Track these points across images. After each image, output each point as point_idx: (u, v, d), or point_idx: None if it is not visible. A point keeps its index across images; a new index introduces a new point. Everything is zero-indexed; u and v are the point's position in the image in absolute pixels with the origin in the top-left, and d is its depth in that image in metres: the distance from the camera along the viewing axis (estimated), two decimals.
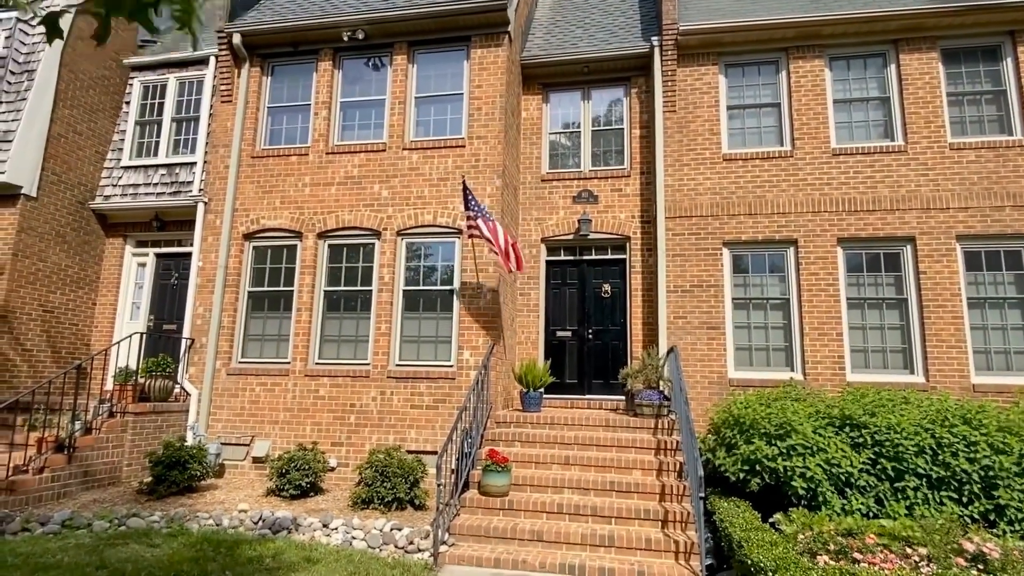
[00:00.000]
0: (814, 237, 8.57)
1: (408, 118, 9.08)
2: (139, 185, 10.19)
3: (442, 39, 9.16)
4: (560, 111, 10.23)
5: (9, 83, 9.38)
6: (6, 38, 9.53)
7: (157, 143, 10.45)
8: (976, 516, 5.81)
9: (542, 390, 8.17)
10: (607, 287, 9.57)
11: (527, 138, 10.07)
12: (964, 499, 5.87)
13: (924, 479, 5.94)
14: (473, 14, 8.76)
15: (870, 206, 8.51)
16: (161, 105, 10.61)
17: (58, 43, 9.58)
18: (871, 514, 5.91)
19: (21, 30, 9.61)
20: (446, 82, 9.14)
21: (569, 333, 9.60)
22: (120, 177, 10.35)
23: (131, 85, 10.83)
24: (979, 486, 5.84)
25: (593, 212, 9.54)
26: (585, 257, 9.73)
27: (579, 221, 9.43)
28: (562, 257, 9.79)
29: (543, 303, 9.64)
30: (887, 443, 5.99)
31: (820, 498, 5.91)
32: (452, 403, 8.00)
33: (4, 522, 5.85)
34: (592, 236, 9.49)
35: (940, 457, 5.91)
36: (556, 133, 10.17)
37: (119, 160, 10.46)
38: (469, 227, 7.77)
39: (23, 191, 9.04)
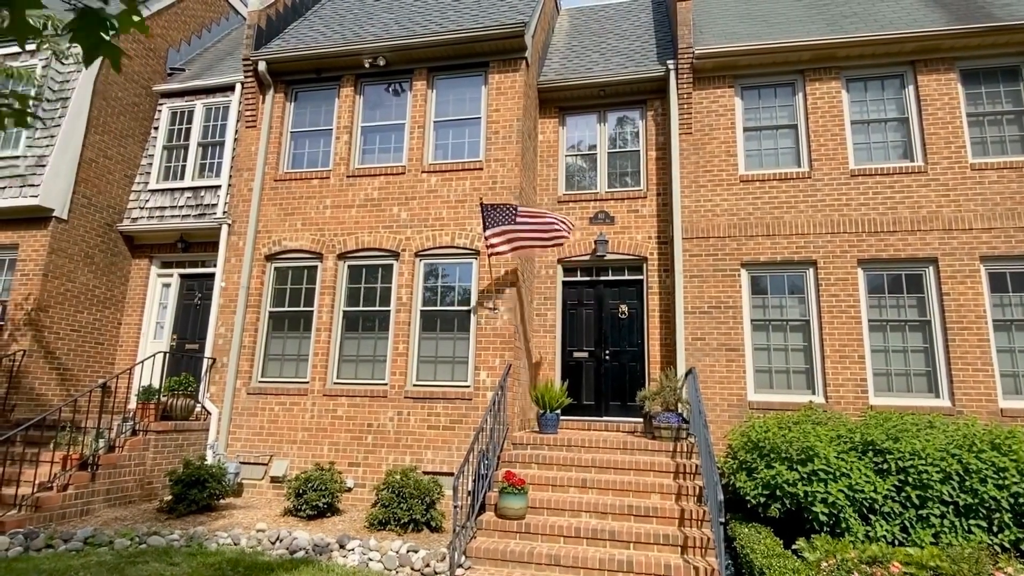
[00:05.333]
0: (834, 258, 8.50)
1: (427, 142, 9.25)
2: (165, 208, 10.47)
3: (460, 65, 9.36)
4: (576, 133, 10.34)
5: (44, 110, 9.75)
6: (42, 67, 9.92)
7: (183, 167, 10.75)
8: (1006, 545, 5.64)
9: (559, 411, 8.14)
10: (624, 308, 9.55)
11: (544, 160, 10.18)
12: (993, 527, 5.71)
13: (951, 506, 5.79)
14: (491, 40, 8.94)
15: (890, 227, 8.44)
16: (188, 130, 10.93)
17: (92, 72, 9.96)
18: (896, 541, 5.77)
19: (57, 59, 9.99)
20: (464, 106, 9.31)
21: (586, 354, 9.57)
22: (147, 200, 10.63)
23: (159, 111, 11.18)
24: (1009, 514, 5.68)
25: (610, 233, 9.57)
26: (602, 278, 9.74)
27: (596, 242, 9.46)
28: (579, 278, 9.81)
29: (560, 324, 9.65)
30: (911, 469, 5.86)
31: (843, 524, 5.79)
32: (469, 424, 8.00)
33: (29, 538, 5.95)
34: (609, 257, 9.51)
35: (967, 483, 5.77)
36: (572, 155, 10.27)
37: (146, 183, 10.77)
38: (490, 245, 7.83)
39: (55, 214, 9.34)
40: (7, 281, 9.49)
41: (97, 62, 10.04)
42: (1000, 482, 5.72)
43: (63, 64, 9.99)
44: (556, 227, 7.82)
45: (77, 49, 9.82)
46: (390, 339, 8.64)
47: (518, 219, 7.72)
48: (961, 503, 5.75)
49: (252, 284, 9.26)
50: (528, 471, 6.97)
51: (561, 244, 8.13)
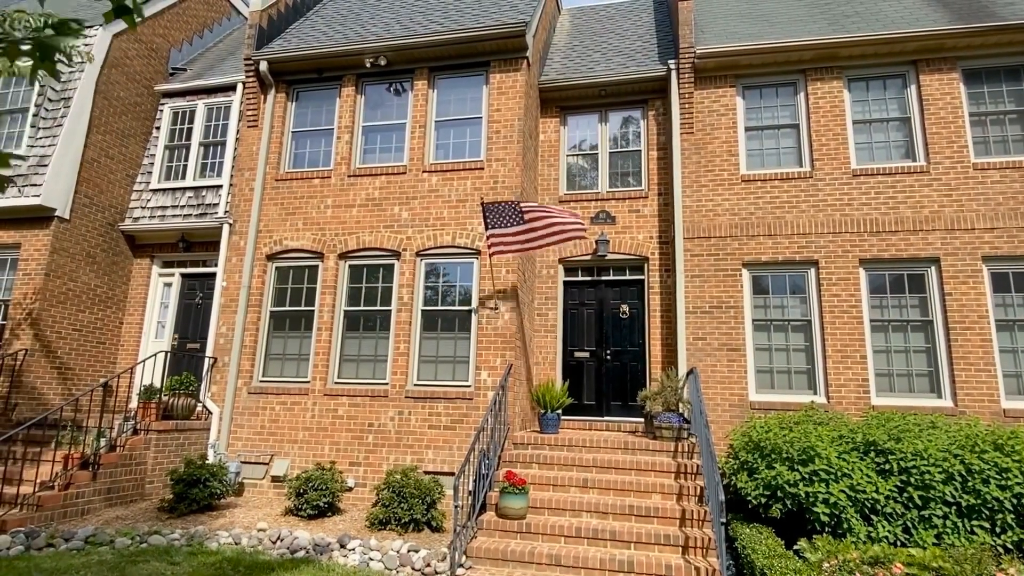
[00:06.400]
0: (835, 258, 8.48)
1: (428, 141, 9.25)
2: (167, 207, 10.47)
3: (461, 64, 9.36)
4: (578, 133, 10.34)
5: (47, 110, 9.76)
6: None
7: (185, 166, 10.76)
8: (1009, 546, 5.62)
9: (560, 411, 8.13)
10: (625, 308, 9.54)
11: (545, 160, 10.17)
12: (996, 528, 5.69)
13: (953, 507, 5.77)
14: (492, 40, 8.94)
15: (892, 227, 8.41)
16: (190, 130, 10.94)
17: (94, 71, 9.97)
18: (898, 542, 5.75)
19: (59, 59, 10.00)
20: (465, 106, 9.30)
21: (587, 354, 9.56)
22: (149, 199, 10.64)
23: (161, 111, 11.19)
24: (1012, 515, 5.66)
25: (611, 233, 9.56)
26: (603, 278, 9.72)
27: (597, 242, 9.45)
28: (580, 278, 9.80)
29: (561, 324, 9.64)
30: (914, 470, 5.84)
31: (845, 525, 5.77)
32: (470, 424, 8.00)
33: (30, 537, 5.95)
34: (610, 257, 9.50)
35: (970, 484, 5.75)
36: (574, 155, 10.26)
37: (148, 183, 10.77)
38: (491, 245, 7.81)
39: (57, 214, 9.34)
40: (9, 280, 9.50)
41: (99, 62, 10.06)
42: (1003, 483, 5.70)
43: (65, 64, 9.99)
44: (568, 225, 7.74)
45: (81, 48, 9.83)
46: (391, 339, 8.64)
47: (525, 217, 7.67)
48: (964, 504, 5.73)
49: (253, 284, 9.26)
50: (529, 471, 6.96)
51: (578, 238, 8.01)
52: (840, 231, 8.55)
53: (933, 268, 8.26)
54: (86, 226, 9.87)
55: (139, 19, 2.39)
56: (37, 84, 9.90)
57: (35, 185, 9.26)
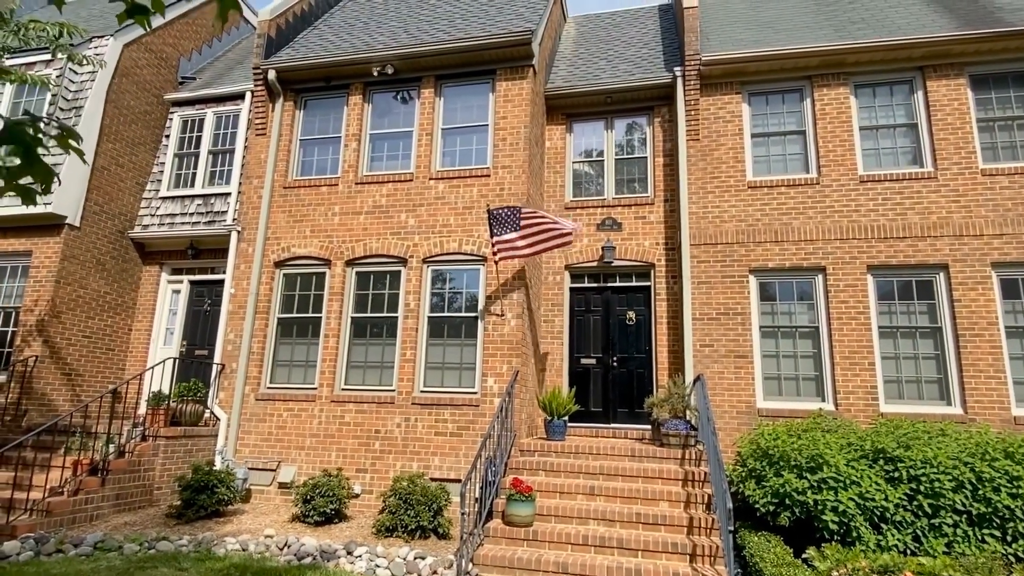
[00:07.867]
0: (843, 264, 8.45)
1: (435, 149, 9.30)
2: (176, 215, 10.57)
3: (468, 72, 9.41)
4: (583, 140, 10.37)
5: (58, 119, 9.87)
6: (56, 76, 10.07)
7: (194, 174, 10.86)
8: (1020, 555, 5.57)
9: (566, 418, 8.12)
10: (632, 314, 9.53)
11: (551, 167, 10.21)
12: (1007, 537, 5.64)
13: (963, 515, 5.72)
14: (498, 48, 8.99)
15: (900, 233, 8.39)
16: (199, 138, 11.05)
17: (105, 80, 10.10)
18: (908, 551, 5.71)
19: (71, 68, 10.14)
20: (472, 114, 9.35)
21: (593, 360, 9.55)
22: (158, 207, 10.74)
23: (171, 119, 11.31)
24: (1023, 524, 5.60)
25: (617, 239, 9.57)
26: (609, 284, 9.73)
27: (603, 248, 9.46)
28: (586, 284, 9.81)
29: (567, 330, 9.64)
30: (923, 477, 5.80)
31: (854, 533, 5.73)
32: (476, 430, 8.00)
33: (39, 543, 5.99)
34: (616, 263, 9.51)
35: (980, 492, 5.70)
36: (580, 162, 10.29)
37: (157, 191, 10.88)
38: (497, 251, 7.84)
39: (67, 221, 9.45)
40: (20, 287, 9.60)
41: (110, 71, 10.18)
42: (1014, 491, 5.65)
43: (77, 73, 10.14)
44: (556, 231, 7.86)
45: (91, 53, 9.96)
46: (398, 345, 8.66)
47: (522, 224, 7.75)
48: (974, 512, 5.68)
49: (261, 290, 9.32)
50: (535, 478, 6.95)
51: (568, 243, 8.09)
52: (847, 237, 8.52)
53: (941, 274, 8.22)
54: (96, 233, 9.97)
55: (155, 13, 2.35)
56: (49, 93, 10.03)
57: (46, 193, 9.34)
